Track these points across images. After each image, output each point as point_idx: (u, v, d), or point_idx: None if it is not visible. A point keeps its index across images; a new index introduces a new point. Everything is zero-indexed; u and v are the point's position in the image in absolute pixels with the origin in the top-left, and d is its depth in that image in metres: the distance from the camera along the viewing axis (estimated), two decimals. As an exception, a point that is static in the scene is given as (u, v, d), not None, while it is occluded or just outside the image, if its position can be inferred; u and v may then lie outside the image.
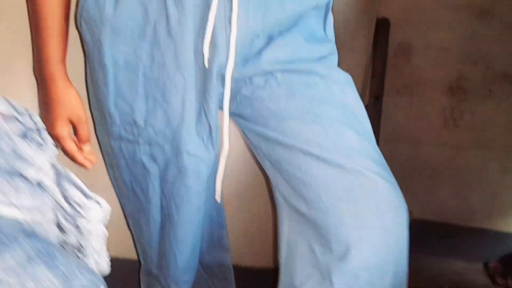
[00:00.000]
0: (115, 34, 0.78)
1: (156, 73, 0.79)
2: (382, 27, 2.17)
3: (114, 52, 0.78)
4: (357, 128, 0.86)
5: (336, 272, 0.82)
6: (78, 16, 0.84)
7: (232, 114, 0.87)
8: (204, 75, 0.79)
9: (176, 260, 0.97)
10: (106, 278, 1.12)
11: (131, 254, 1.16)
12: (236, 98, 0.84)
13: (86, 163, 0.84)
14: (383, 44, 2.22)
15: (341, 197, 0.81)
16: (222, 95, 0.83)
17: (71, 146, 0.82)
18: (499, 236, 2.48)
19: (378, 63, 2.22)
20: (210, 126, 0.84)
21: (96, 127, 0.94)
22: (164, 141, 0.84)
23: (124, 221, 1.12)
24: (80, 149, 0.82)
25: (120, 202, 1.00)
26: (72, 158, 0.84)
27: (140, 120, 0.82)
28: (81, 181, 0.79)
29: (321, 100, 0.83)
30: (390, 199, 0.86)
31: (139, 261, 1.09)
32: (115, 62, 0.79)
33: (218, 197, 0.94)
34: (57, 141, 0.80)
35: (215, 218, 1.06)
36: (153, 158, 0.87)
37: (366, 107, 2.32)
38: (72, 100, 0.79)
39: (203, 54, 0.78)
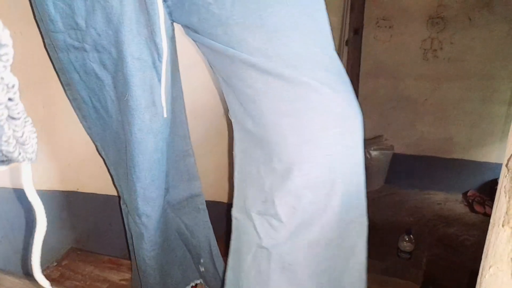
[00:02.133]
0: None
1: None
2: (360, -45, 2.08)
3: None
4: (309, 30, 0.73)
5: (278, 192, 0.77)
6: None
7: (183, 25, 0.78)
8: None
9: (135, 187, 0.90)
10: (84, 211, 1.11)
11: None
12: (184, 6, 0.75)
13: None
14: (361, -26, 2.14)
15: (284, 111, 0.73)
16: None
17: None
18: (477, 166, 2.55)
19: (356, -5, 2.14)
20: (152, 23, 0.74)
21: (46, 45, 0.85)
22: (109, 43, 0.76)
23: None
24: None
25: (85, 128, 0.93)
26: None
27: (81, 22, 0.75)
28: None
29: (269, 0, 0.70)
30: (338, 110, 0.75)
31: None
32: None
33: (164, 112, 0.84)
34: None
35: (180, 146, 0.99)
36: (103, 64, 0.79)
37: (346, 41, 2.27)
38: None
39: None
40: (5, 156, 0.43)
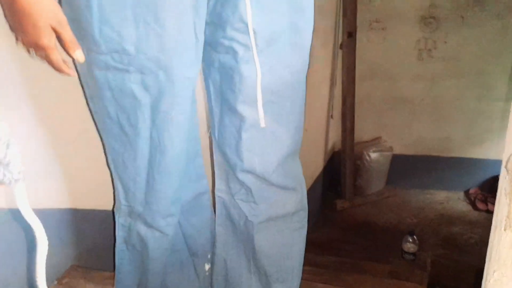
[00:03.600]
0: None
1: None
2: (350, -40, 2.09)
3: None
4: None
5: None
6: None
7: None
8: None
9: (166, 192, 0.95)
10: (83, 228, 1.11)
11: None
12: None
13: (71, 71, 0.76)
14: (352, -23, 2.14)
15: None
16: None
17: (58, 57, 0.72)
18: (477, 163, 2.54)
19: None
20: (198, 41, 0.80)
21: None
22: (158, 67, 0.78)
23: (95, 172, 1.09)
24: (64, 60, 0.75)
25: (101, 138, 0.95)
26: (58, 69, 0.76)
27: (130, 48, 0.75)
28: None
29: None
30: None
31: (113, 209, 1.07)
32: None
33: (262, 122, 0.92)
34: (44, 52, 0.72)
35: (193, 147, 1.02)
36: (144, 86, 0.81)
37: (340, 45, 2.28)
38: (48, 5, 0.68)
39: None
40: (-11, 178, 0.43)
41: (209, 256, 1.15)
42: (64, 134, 1.05)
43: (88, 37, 0.77)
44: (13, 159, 0.43)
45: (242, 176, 0.98)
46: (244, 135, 0.92)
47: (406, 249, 1.79)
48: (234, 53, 0.85)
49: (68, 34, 0.73)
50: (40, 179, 1.02)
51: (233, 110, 0.91)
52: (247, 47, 0.83)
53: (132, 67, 0.79)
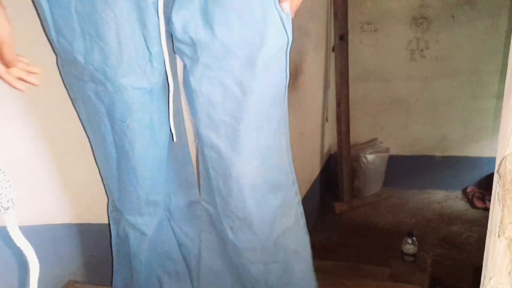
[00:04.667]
0: None
1: (87, 9, 0.76)
2: (339, -37, 2.10)
3: None
4: None
5: None
6: None
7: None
8: (138, 4, 0.76)
9: (138, 193, 0.98)
10: (80, 242, 1.11)
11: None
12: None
13: (16, 84, 0.78)
14: (342, -19, 2.15)
15: None
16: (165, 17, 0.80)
17: None
18: (474, 161, 2.55)
19: (339, 2, 2.15)
20: (150, 53, 0.81)
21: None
22: (105, 79, 0.83)
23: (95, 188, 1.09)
24: (7, 72, 0.77)
25: (87, 136, 1.01)
26: (2, 79, 0.79)
27: (80, 58, 0.80)
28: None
29: None
30: None
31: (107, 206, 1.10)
32: None
33: (174, 137, 0.93)
34: None
35: (180, 156, 1.05)
36: (98, 96, 0.86)
37: (333, 47, 2.28)
38: None
39: None
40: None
41: None
42: (59, 148, 1.05)
43: (53, 46, 0.83)
44: (2, 188, 0.42)
45: (215, 192, 0.97)
46: (206, 153, 0.92)
47: (406, 251, 1.78)
48: (185, 66, 0.86)
49: (5, 52, 0.76)
50: (35, 195, 1.02)
51: (195, 125, 0.92)
52: (192, 59, 0.83)
53: (86, 77, 0.83)
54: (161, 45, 0.82)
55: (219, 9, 0.76)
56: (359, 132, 2.58)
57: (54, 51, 0.88)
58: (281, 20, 0.78)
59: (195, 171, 1.08)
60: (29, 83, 0.81)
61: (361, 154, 2.46)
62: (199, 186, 1.07)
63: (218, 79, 0.82)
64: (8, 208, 0.43)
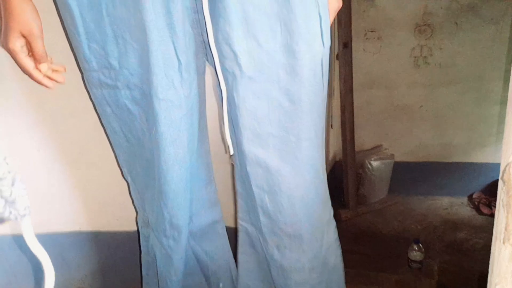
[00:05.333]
0: None
1: (119, 11, 0.74)
2: (342, -29, 2.11)
3: None
4: None
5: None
6: None
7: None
8: (168, 5, 0.72)
9: (163, 213, 0.93)
10: (88, 250, 1.11)
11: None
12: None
13: (45, 81, 0.77)
14: (345, -11, 2.17)
15: None
16: (196, 24, 0.77)
17: (25, 62, 0.75)
18: (479, 167, 2.54)
19: (343, 10, 2.16)
20: (180, 63, 0.78)
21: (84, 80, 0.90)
22: (141, 82, 0.80)
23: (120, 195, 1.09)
24: (37, 68, 0.75)
25: (114, 152, 0.97)
26: (29, 76, 0.77)
27: (115, 63, 0.78)
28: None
29: None
30: None
31: (136, 220, 1.08)
32: (78, 3, 0.74)
33: (231, 149, 0.87)
34: (12, 55, 0.75)
35: (204, 175, 1.00)
36: (135, 101, 0.83)
37: (336, 55, 2.29)
38: (25, 13, 0.71)
39: None
40: (-4, 216, 0.43)
41: (221, 285, 1.12)
42: (66, 157, 1.06)
43: (80, 56, 0.81)
44: (19, 196, 0.43)
45: (259, 210, 0.92)
46: (249, 170, 0.87)
47: (412, 258, 1.77)
48: (227, 81, 0.81)
49: (36, 46, 0.77)
50: (44, 202, 1.03)
51: (236, 141, 0.87)
52: (234, 74, 0.78)
53: (119, 83, 0.81)
54: (191, 53, 0.79)
55: (261, 16, 0.73)
56: (364, 139, 2.59)
57: (78, 64, 0.86)
58: (321, 26, 0.77)
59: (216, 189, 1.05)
60: (55, 81, 0.81)
61: (366, 160, 2.46)
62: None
63: (263, 92, 0.79)
64: (24, 215, 0.44)
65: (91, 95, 0.89)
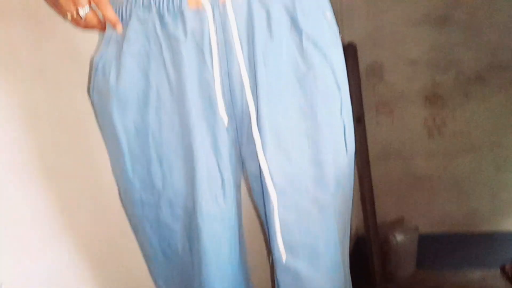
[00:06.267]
0: (121, 103, 0.79)
1: (165, 135, 0.79)
2: (350, 52, 2.21)
3: (124, 122, 0.80)
4: None
5: None
6: (91, 90, 0.85)
7: None
8: (213, 128, 0.79)
9: None
10: None
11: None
12: None
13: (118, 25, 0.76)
14: (354, 67, 2.24)
15: None
16: (234, 143, 0.83)
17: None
18: (509, 236, 2.44)
19: (353, 86, 2.23)
20: (222, 179, 0.82)
21: (121, 197, 0.93)
22: (185, 199, 0.83)
23: None
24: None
25: (148, 266, 0.97)
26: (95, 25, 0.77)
27: (158, 183, 0.81)
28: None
29: None
30: None
31: None
32: (126, 131, 0.80)
33: (283, 256, 0.86)
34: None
35: (238, 276, 0.97)
36: (176, 218, 0.85)
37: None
38: None
39: (208, 107, 0.78)
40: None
41: None
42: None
43: (123, 177, 0.83)
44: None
45: None
46: (279, 277, 0.88)
47: None
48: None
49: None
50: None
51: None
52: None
53: (162, 202, 0.83)
54: (232, 170, 0.83)
55: (292, 135, 0.81)
56: (385, 211, 2.53)
57: (118, 189, 0.90)
58: (345, 136, 0.85)
59: None
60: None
61: (390, 234, 2.38)
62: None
63: (294, 206, 0.82)
64: None
65: (130, 215, 0.91)
